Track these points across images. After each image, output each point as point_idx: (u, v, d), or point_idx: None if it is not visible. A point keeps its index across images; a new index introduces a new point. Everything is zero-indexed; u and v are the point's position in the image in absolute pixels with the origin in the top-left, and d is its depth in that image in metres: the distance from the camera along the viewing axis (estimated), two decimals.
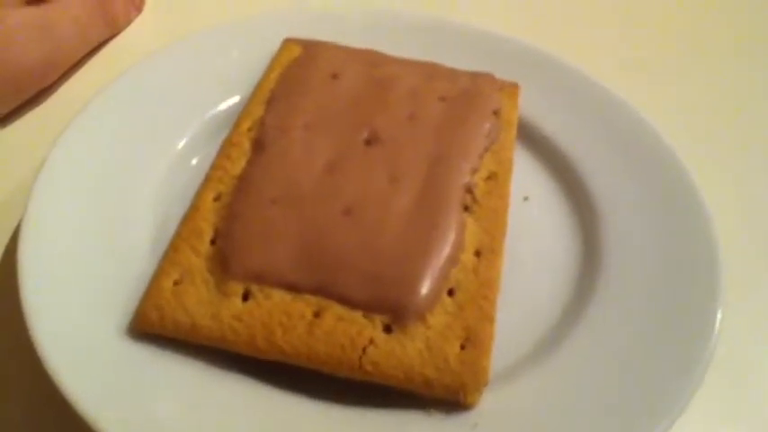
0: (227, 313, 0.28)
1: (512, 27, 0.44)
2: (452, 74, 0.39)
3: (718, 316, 0.30)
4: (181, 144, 0.35)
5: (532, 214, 0.36)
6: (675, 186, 0.35)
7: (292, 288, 0.29)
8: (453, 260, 0.30)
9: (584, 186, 0.36)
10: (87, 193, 0.32)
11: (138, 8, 0.47)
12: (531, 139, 0.38)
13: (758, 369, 0.33)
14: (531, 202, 0.36)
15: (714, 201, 0.34)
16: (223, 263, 0.29)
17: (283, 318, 0.28)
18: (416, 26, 0.43)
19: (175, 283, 0.29)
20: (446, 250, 0.30)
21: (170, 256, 0.30)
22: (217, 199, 0.32)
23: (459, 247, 0.31)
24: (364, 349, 0.28)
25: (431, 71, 0.39)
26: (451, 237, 0.31)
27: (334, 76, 0.38)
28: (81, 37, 0.42)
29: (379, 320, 0.28)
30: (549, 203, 0.36)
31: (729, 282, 0.31)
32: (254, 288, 0.29)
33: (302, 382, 0.28)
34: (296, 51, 0.39)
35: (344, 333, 0.28)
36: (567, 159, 0.37)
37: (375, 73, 0.38)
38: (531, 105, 0.39)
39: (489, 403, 0.28)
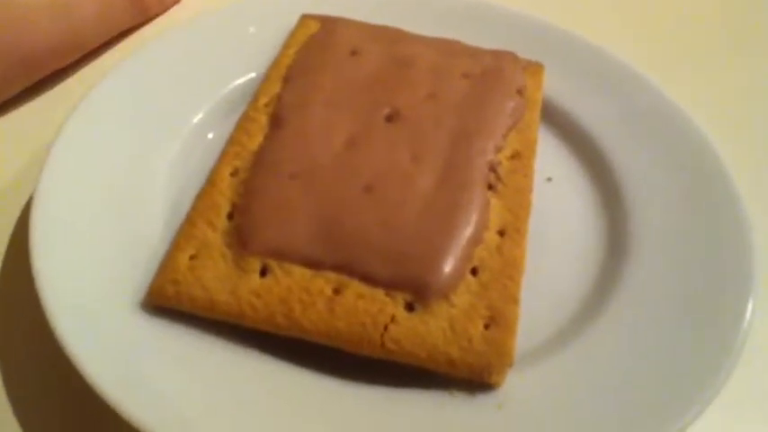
0: (246, 289, 0.27)
1: (534, 5, 0.43)
2: (474, 52, 0.38)
3: (750, 305, 0.29)
4: (197, 118, 0.35)
5: (556, 195, 0.35)
6: (703, 167, 0.34)
7: (312, 264, 0.28)
8: (477, 239, 0.29)
9: (609, 167, 0.35)
10: (102, 166, 0.31)
11: None
12: (555, 119, 0.38)
13: None
14: (554, 183, 0.35)
15: (744, 183, 0.33)
16: (241, 238, 0.29)
17: (303, 294, 0.27)
18: (436, 4, 0.42)
19: (192, 258, 0.28)
20: (469, 228, 0.29)
21: (186, 230, 0.29)
22: (234, 174, 0.31)
23: (482, 225, 0.30)
24: (386, 327, 0.27)
25: (452, 49, 0.38)
26: (475, 215, 0.30)
27: (353, 53, 0.37)
28: (104, 20, 0.40)
29: (401, 298, 0.28)
30: (572, 184, 0.35)
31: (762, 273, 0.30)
32: (273, 264, 0.28)
33: (321, 359, 0.27)
34: (313, 27, 0.39)
35: (365, 310, 0.27)
36: (591, 140, 0.37)
37: (395, 50, 0.37)
38: (555, 85, 0.38)
39: (514, 385, 0.27)
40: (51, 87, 0.39)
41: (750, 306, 0.29)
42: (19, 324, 0.30)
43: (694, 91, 0.41)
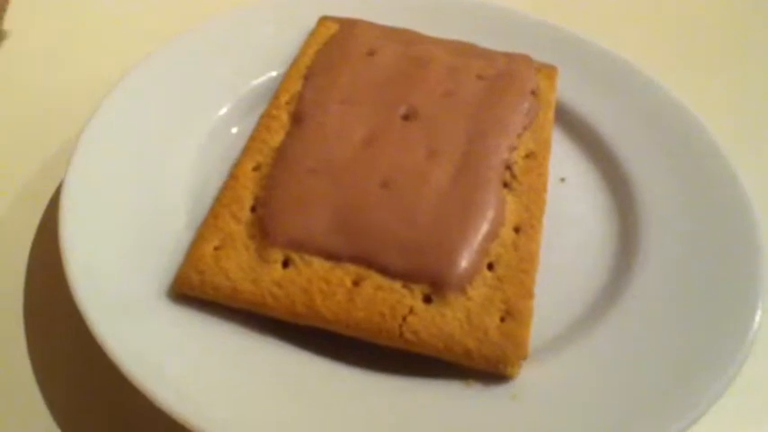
0: (268, 279, 0.28)
1: (547, 11, 0.44)
2: (489, 54, 0.39)
3: (759, 302, 0.30)
4: (221, 113, 0.36)
5: (569, 194, 0.36)
6: (713, 169, 0.35)
7: (332, 256, 0.29)
8: (493, 234, 0.30)
9: (621, 168, 0.36)
10: (129, 157, 0.32)
11: None
12: (568, 121, 0.38)
13: None
14: (567, 183, 0.36)
15: (752, 184, 0.34)
16: (263, 230, 0.29)
17: (323, 285, 0.28)
18: (452, 8, 0.43)
19: (216, 249, 0.29)
20: (486, 224, 0.30)
21: (211, 222, 0.30)
22: (256, 169, 0.32)
23: (498, 221, 0.31)
24: (404, 318, 0.28)
25: (467, 50, 0.39)
26: (491, 211, 0.31)
27: (371, 53, 0.38)
28: None
29: (418, 291, 0.28)
30: (585, 184, 0.36)
31: None
32: (294, 255, 0.29)
33: (339, 350, 0.28)
34: (332, 29, 0.39)
35: (384, 302, 0.28)
36: (604, 142, 0.37)
37: (411, 51, 0.38)
38: (569, 88, 0.39)
39: (528, 376, 0.28)
40: (80, 81, 0.40)
41: (760, 303, 0.30)
42: (50, 312, 0.30)
43: (704, 94, 0.41)
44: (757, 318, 0.29)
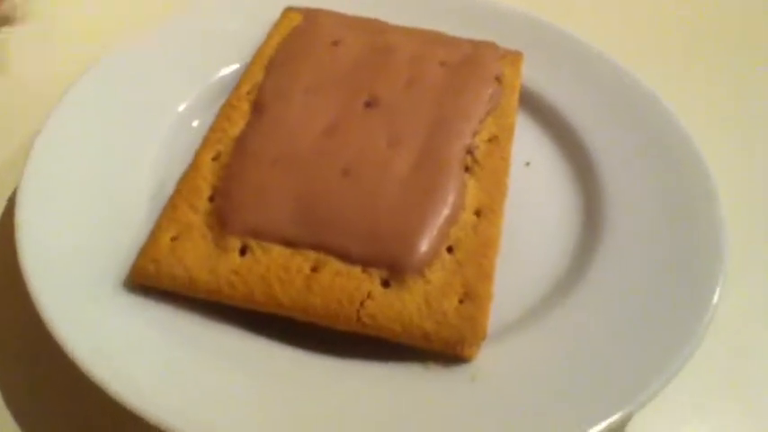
0: (225, 267, 0.28)
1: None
2: (454, 41, 0.39)
3: (720, 279, 0.30)
4: (182, 107, 0.36)
5: (534, 178, 0.36)
6: (678, 154, 0.35)
7: (290, 243, 0.29)
8: (453, 218, 0.30)
9: (586, 152, 0.36)
10: (89, 149, 0.32)
11: None
12: (534, 106, 0.38)
13: (757, 339, 0.32)
14: (532, 167, 0.36)
15: (716, 167, 0.34)
16: (221, 219, 0.29)
17: (281, 272, 0.28)
18: None
19: (173, 239, 0.29)
20: (445, 208, 0.30)
21: (168, 212, 0.30)
22: (215, 159, 0.32)
23: (458, 205, 0.31)
24: (362, 303, 0.27)
25: (432, 38, 0.39)
26: (451, 195, 0.31)
27: (335, 43, 0.38)
28: None
29: (377, 275, 0.28)
30: (550, 168, 0.36)
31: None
32: (252, 243, 0.29)
33: (301, 336, 0.28)
34: (296, 19, 0.39)
35: (342, 287, 0.28)
36: (569, 126, 0.37)
37: (376, 40, 0.38)
38: (534, 74, 0.39)
39: (487, 358, 0.27)
40: (42, 73, 0.40)
41: (719, 286, 0.29)
42: (5, 306, 0.30)
43: (673, 81, 0.41)
44: (715, 298, 0.29)
